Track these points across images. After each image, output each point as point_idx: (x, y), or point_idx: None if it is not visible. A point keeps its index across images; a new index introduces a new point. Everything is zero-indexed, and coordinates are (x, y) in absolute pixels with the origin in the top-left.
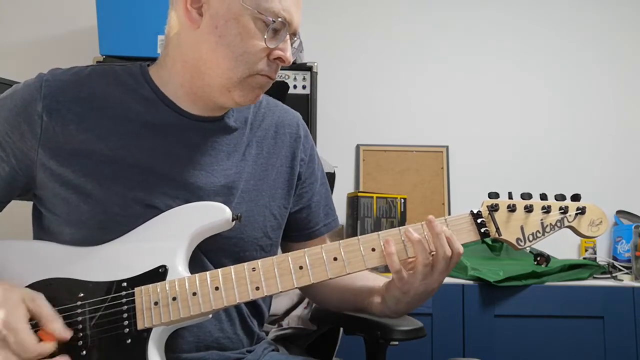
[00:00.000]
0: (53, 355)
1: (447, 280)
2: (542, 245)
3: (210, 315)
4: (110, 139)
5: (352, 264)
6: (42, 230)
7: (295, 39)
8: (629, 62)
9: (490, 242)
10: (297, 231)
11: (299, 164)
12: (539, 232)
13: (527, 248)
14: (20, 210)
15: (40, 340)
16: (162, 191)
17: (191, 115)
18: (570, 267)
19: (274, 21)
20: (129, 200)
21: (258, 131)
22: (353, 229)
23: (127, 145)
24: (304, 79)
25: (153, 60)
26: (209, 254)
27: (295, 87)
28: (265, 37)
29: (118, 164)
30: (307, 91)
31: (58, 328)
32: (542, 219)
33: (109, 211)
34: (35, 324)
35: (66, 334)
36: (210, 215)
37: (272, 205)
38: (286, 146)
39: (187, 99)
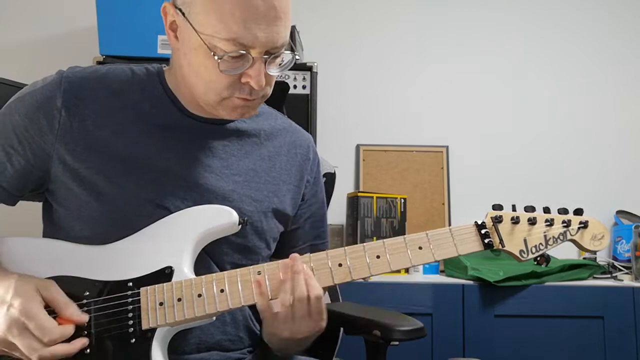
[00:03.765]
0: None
1: (447, 280)
2: None
3: (215, 317)
4: (125, 137)
5: (357, 271)
6: (52, 224)
7: (282, 52)
8: (629, 62)
9: (491, 252)
10: (283, 247)
11: (304, 185)
12: (542, 245)
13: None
14: (28, 209)
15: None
16: (172, 192)
17: (201, 118)
18: (570, 267)
19: (219, 57)
20: (139, 199)
21: (271, 147)
22: (353, 229)
23: (141, 143)
24: (304, 79)
25: (153, 60)
26: (214, 257)
27: (295, 87)
28: (221, 69)
29: (131, 162)
30: (307, 91)
31: (75, 313)
32: (545, 232)
33: (119, 209)
34: (51, 312)
35: (83, 317)
36: (217, 218)
37: (279, 219)
38: (296, 166)
39: (195, 104)
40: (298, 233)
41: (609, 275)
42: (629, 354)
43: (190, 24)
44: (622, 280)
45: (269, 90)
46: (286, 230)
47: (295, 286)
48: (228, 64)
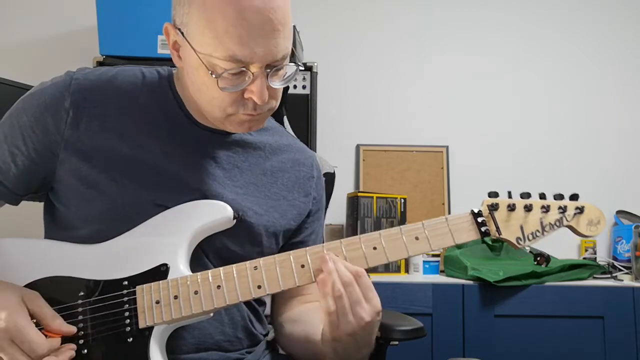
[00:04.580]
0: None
1: (447, 280)
2: (542, 245)
3: (212, 314)
4: (131, 139)
5: (353, 262)
6: (53, 224)
7: (284, 64)
8: (628, 61)
9: (490, 242)
10: None
11: (311, 202)
12: (539, 232)
13: (527, 247)
14: (28, 209)
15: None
16: (175, 196)
17: (208, 127)
18: (570, 267)
19: (218, 75)
20: (142, 200)
21: (275, 161)
22: (353, 229)
23: (147, 147)
24: (304, 79)
25: (153, 60)
26: (210, 256)
27: (295, 87)
28: (220, 87)
29: (136, 164)
30: (307, 91)
31: (61, 324)
32: (541, 218)
33: (120, 209)
34: (36, 323)
35: (71, 329)
36: (211, 213)
37: (280, 235)
38: (299, 183)
39: (202, 114)
40: (301, 248)
41: (609, 275)
42: (629, 354)
43: (189, 44)
44: (622, 280)
45: (275, 104)
46: (287, 245)
47: (341, 276)
48: (228, 81)
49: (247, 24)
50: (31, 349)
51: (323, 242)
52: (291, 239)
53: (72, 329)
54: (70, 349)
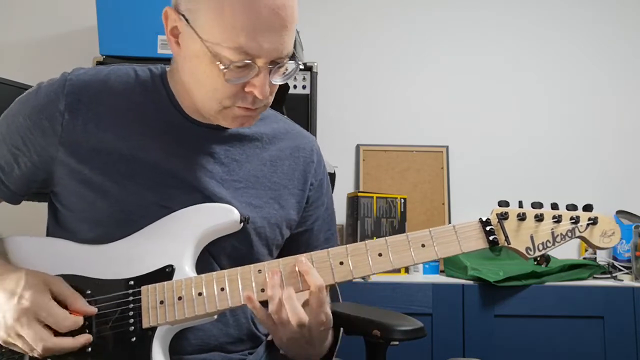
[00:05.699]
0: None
1: (447, 280)
2: None
3: (216, 316)
4: (129, 139)
5: (358, 269)
6: (57, 225)
7: (286, 62)
8: (628, 61)
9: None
10: (295, 252)
11: (309, 188)
12: (549, 242)
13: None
14: (32, 208)
15: None
16: (177, 195)
17: (202, 123)
18: (570, 267)
19: (227, 66)
20: (145, 200)
21: (274, 150)
22: (353, 229)
23: (145, 146)
24: (304, 79)
25: (153, 60)
26: (217, 258)
27: (295, 87)
28: (226, 78)
29: (135, 164)
30: (307, 91)
31: (84, 305)
32: (552, 229)
33: (125, 210)
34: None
35: (92, 309)
36: (218, 217)
37: (283, 226)
38: (299, 170)
39: (194, 109)
40: (306, 237)
41: (609, 275)
42: (629, 354)
43: (195, 32)
44: (622, 280)
45: (271, 99)
46: (293, 235)
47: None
48: (233, 73)
49: (257, 17)
50: (56, 321)
51: (333, 230)
52: (297, 228)
53: (94, 309)
54: (86, 335)
